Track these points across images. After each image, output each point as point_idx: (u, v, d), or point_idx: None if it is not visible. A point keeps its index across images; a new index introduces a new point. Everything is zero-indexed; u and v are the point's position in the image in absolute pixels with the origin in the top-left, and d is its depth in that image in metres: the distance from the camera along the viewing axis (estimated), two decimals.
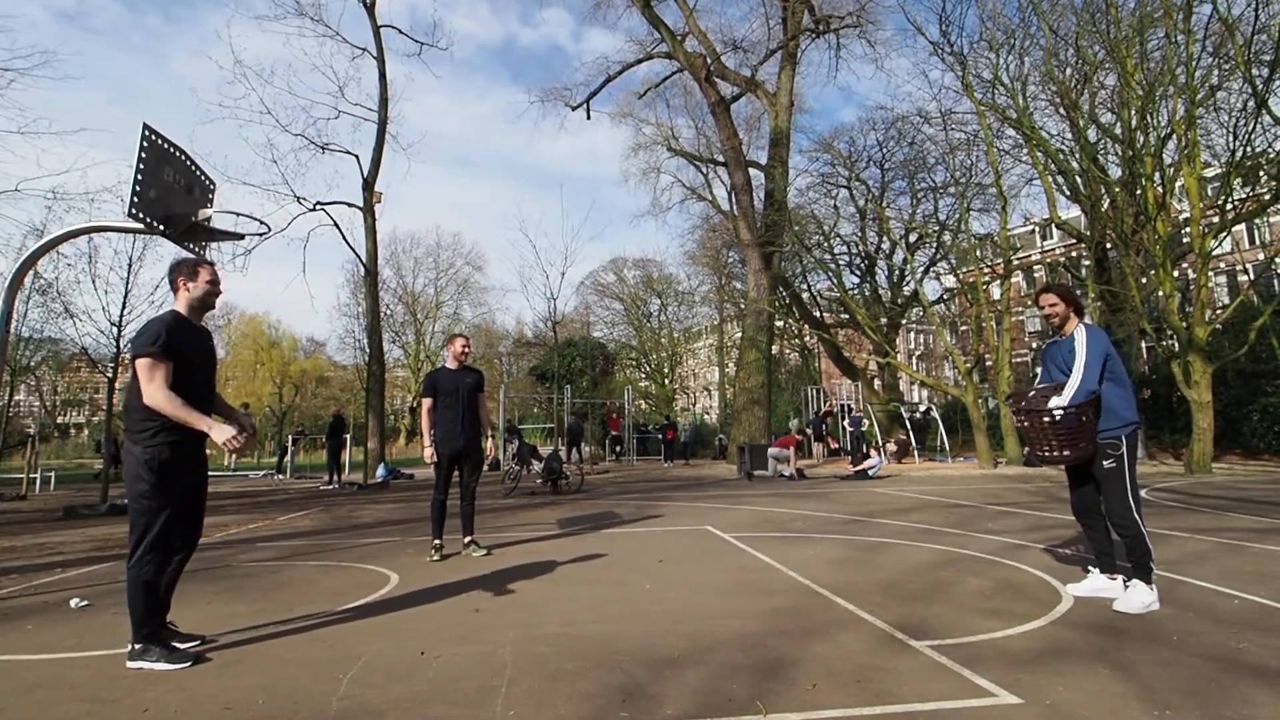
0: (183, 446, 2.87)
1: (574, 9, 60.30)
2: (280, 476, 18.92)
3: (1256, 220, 22.82)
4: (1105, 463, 3.53)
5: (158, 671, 2.75)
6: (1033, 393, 3.84)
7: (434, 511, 5.33)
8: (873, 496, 9.60)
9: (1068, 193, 17.74)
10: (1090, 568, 3.83)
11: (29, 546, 6.60)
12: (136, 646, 2.83)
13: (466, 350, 5.50)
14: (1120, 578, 3.63)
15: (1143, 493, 3.57)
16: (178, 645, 2.94)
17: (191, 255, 3.11)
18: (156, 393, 2.75)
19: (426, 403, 5.36)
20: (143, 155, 5.23)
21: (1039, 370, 4.65)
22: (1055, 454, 3.63)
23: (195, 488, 3.02)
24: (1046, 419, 3.56)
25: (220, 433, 2.80)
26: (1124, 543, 3.47)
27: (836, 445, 20.68)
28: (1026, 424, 3.74)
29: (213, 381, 3.14)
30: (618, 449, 23.15)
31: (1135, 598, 3.37)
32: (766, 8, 22.62)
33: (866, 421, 19.37)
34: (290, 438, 23.40)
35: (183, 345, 2.87)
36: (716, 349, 39.76)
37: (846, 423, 20.37)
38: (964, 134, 18.19)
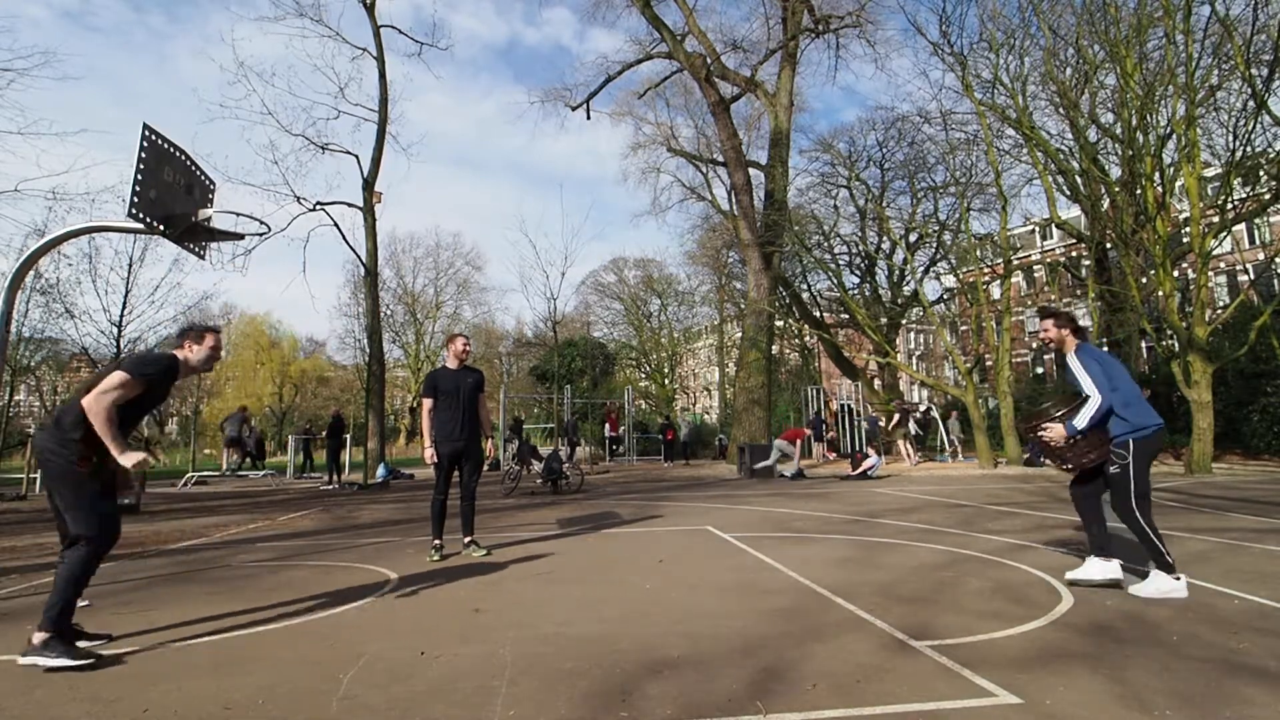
0: (102, 446, 3.01)
1: (576, 8, 60.35)
2: (279, 476, 18.90)
3: (1256, 220, 22.85)
4: (1111, 468, 3.69)
5: (57, 668, 2.74)
6: (1045, 404, 4.08)
7: (434, 511, 5.33)
8: (873, 496, 9.61)
9: (1068, 193, 17.73)
10: (1089, 556, 3.92)
11: (29, 546, 6.59)
12: (36, 641, 2.81)
13: (467, 350, 5.51)
14: (1117, 561, 3.80)
15: None
16: (79, 644, 2.96)
17: (202, 323, 3.30)
18: (106, 404, 2.87)
19: (427, 403, 5.36)
20: (143, 155, 5.25)
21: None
22: (1068, 466, 3.84)
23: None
24: (1070, 441, 3.73)
25: (127, 458, 2.91)
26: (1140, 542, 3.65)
27: (834, 456, 20.60)
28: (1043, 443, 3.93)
29: (143, 413, 3.31)
30: (616, 448, 23.13)
31: (1153, 584, 3.54)
32: (766, 8, 22.61)
33: (881, 420, 19.54)
34: (292, 438, 23.40)
35: (159, 386, 3.07)
36: (716, 349, 39.77)
37: (864, 421, 20.31)
38: (964, 134, 18.21)
